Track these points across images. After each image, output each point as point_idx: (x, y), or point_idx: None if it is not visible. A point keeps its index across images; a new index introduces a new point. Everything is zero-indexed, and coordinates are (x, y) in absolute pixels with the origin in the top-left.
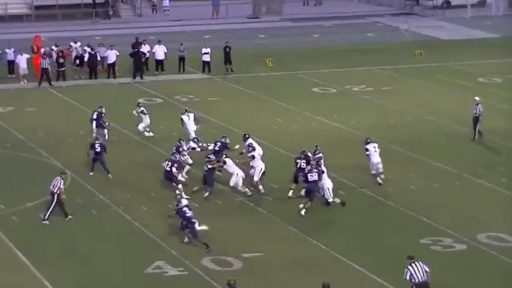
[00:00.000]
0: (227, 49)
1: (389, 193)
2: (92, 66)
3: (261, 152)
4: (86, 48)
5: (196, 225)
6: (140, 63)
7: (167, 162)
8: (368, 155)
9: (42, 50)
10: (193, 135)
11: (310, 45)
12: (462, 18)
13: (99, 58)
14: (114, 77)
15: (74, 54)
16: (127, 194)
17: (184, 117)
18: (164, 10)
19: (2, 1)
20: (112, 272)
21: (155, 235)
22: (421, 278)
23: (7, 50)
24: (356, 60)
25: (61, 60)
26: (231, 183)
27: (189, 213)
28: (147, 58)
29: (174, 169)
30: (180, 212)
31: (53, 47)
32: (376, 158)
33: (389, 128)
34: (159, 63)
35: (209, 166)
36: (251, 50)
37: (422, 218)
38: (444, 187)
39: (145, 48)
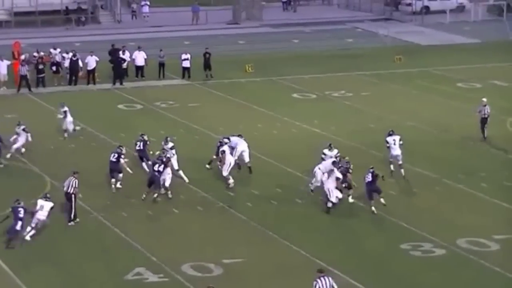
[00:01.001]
0: (207, 55)
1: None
2: (74, 72)
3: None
4: (65, 54)
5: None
6: (119, 69)
7: (113, 154)
8: (388, 147)
9: (22, 56)
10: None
11: (290, 51)
12: (441, 24)
13: (81, 64)
14: (94, 83)
15: (50, 60)
16: (107, 200)
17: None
18: (144, 16)
19: None
20: (92, 278)
21: (135, 241)
22: None
23: None
24: (336, 65)
25: (41, 67)
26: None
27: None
28: (127, 65)
29: (121, 160)
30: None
31: (35, 54)
32: (396, 150)
33: (369, 133)
34: (139, 69)
35: (159, 169)
36: (231, 56)
37: (402, 223)
38: (424, 192)
39: (125, 55)
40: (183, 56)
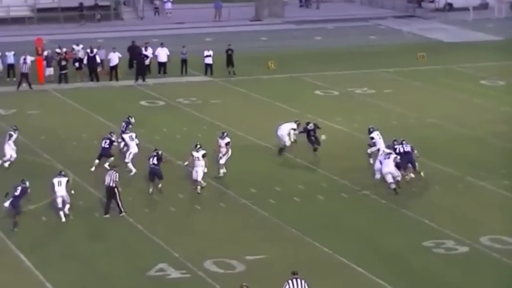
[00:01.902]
0: (229, 52)
1: (391, 195)
2: (91, 68)
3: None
4: (82, 50)
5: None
6: (142, 66)
7: (105, 140)
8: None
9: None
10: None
11: (313, 48)
12: (465, 21)
13: (98, 60)
14: (117, 80)
15: (73, 56)
16: (130, 196)
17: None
18: (167, 13)
19: (4, 4)
20: (114, 275)
21: (158, 238)
22: None
23: (7, 53)
24: (359, 62)
25: (64, 63)
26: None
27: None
28: (150, 61)
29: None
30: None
31: (57, 50)
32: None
33: (391, 130)
34: (162, 65)
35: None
36: (254, 52)
37: (424, 220)
38: (447, 190)
39: (148, 51)
40: (206, 53)
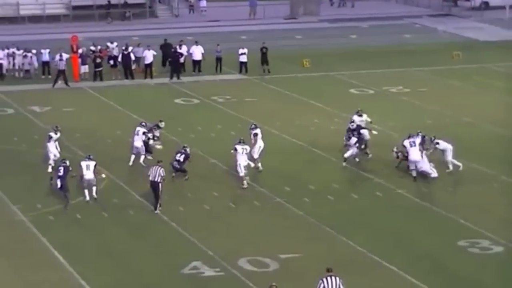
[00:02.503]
0: (264, 50)
1: (426, 194)
2: (126, 66)
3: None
4: (117, 48)
5: None
6: (177, 64)
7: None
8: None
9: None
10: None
11: (348, 46)
12: (501, 19)
13: (133, 58)
14: (151, 78)
15: (108, 54)
16: (164, 195)
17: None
18: (201, 11)
19: (40, 1)
20: (148, 272)
21: (192, 235)
22: None
23: (42, 51)
24: (394, 61)
25: (98, 61)
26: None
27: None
28: (184, 59)
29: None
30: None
31: (92, 47)
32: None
33: (426, 129)
34: (196, 63)
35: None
36: (288, 51)
37: (459, 219)
38: (482, 189)
39: (183, 49)
40: (240, 51)
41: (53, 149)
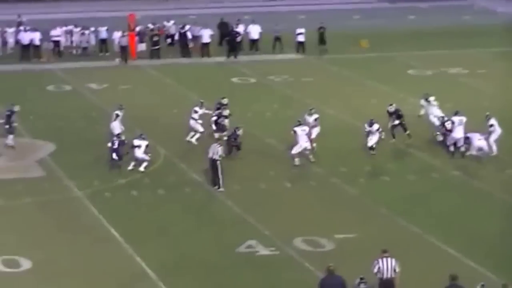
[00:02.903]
0: (322, 30)
1: (485, 177)
2: (183, 45)
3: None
4: (174, 26)
5: None
6: (234, 43)
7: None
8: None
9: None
10: None
11: (406, 27)
12: None
13: (190, 37)
14: (208, 56)
15: (165, 32)
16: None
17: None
18: None
19: None
20: (204, 250)
21: (248, 215)
22: (388, 276)
23: (99, 28)
24: (453, 42)
25: (156, 39)
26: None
27: None
28: (241, 38)
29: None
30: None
31: (150, 25)
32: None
33: (484, 111)
34: (254, 42)
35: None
36: (346, 31)
37: None
38: None
39: (240, 28)
40: (298, 31)
41: (114, 125)
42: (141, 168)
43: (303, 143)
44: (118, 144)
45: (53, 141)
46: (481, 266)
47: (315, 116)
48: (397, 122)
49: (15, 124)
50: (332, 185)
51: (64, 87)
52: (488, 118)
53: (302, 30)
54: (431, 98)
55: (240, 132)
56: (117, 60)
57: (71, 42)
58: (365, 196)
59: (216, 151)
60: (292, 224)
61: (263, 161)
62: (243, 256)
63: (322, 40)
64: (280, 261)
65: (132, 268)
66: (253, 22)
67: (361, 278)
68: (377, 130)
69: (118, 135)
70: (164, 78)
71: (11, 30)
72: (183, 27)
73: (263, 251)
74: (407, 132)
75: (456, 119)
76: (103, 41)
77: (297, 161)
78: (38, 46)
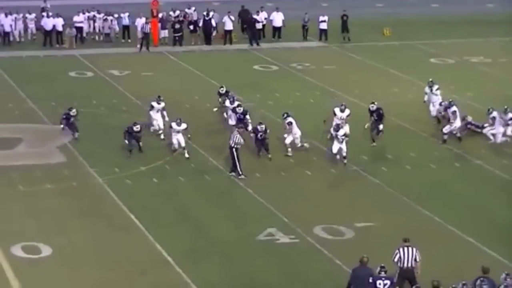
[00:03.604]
0: (345, 18)
1: (505, 165)
2: (206, 32)
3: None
4: (195, 13)
5: None
6: (253, 30)
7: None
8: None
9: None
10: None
11: (429, 15)
12: None
13: (214, 24)
14: (231, 43)
15: (188, 19)
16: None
17: None
18: None
19: None
20: (224, 238)
21: (268, 202)
22: (408, 265)
23: (122, 15)
24: (476, 31)
25: (178, 26)
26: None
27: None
28: (263, 25)
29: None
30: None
31: (171, 13)
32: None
33: (506, 101)
34: (277, 30)
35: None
36: (369, 19)
37: None
38: None
39: (262, 15)
40: (321, 18)
41: (157, 117)
42: (186, 155)
43: (298, 131)
44: (140, 129)
45: None
46: (502, 256)
47: (347, 112)
48: (381, 126)
49: (75, 123)
50: (353, 173)
51: (86, 73)
52: (507, 111)
53: (325, 18)
54: (435, 87)
55: (263, 127)
56: (138, 46)
57: (94, 28)
58: (386, 184)
59: (236, 139)
60: (312, 212)
61: (284, 148)
62: (263, 244)
63: (345, 28)
64: (300, 249)
65: (152, 255)
66: (277, 9)
67: (382, 267)
68: (343, 135)
69: (135, 124)
70: (186, 65)
71: (31, 16)
72: (207, 14)
73: (283, 239)
74: (380, 134)
75: (454, 109)
76: (125, 28)
77: (290, 151)
78: (60, 32)
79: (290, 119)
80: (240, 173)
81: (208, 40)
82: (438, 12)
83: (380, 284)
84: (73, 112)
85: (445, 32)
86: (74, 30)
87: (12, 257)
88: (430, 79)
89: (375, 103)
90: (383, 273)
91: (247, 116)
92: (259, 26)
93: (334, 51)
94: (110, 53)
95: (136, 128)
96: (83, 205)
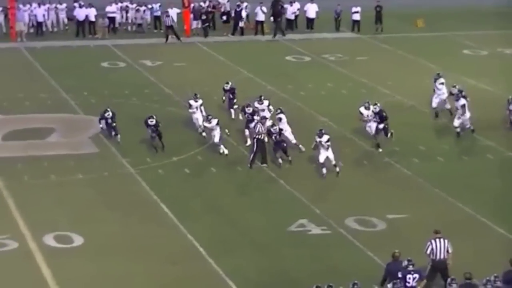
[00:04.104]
0: (378, 9)
1: None
2: (237, 22)
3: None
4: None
5: None
6: (280, 21)
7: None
8: None
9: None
10: None
11: (463, 6)
12: None
13: (243, 15)
14: (263, 34)
15: (221, 10)
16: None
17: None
18: None
19: None
20: (255, 229)
21: (300, 193)
22: (441, 257)
23: (153, 5)
24: (509, 22)
25: (209, 16)
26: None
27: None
28: (296, 16)
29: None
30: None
31: (202, 4)
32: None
33: None
34: (310, 21)
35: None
36: (402, 10)
37: None
38: None
39: (295, 6)
40: (354, 9)
41: (197, 116)
42: (225, 151)
43: (288, 127)
44: (155, 124)
45: None
46: None
47: (279, 116)
48: (381, 126)
49: (114, 125)
50: (386, 165)
51: (118, 63)
52: None
53: (358, 9)
54: (439, 81)
55: (276, 128)
56: (170, 37)
57: (126, 18)
58: (419, 176)
59: (257, 129)
60: (344, 204)
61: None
62: (295, 235)
63: (378, 19)
64: (331, 240)
65: (183, 245)
66: (312, 1)
67: (409, 260)
68: (327, 142)
69: (151, 116)
70: (218, 56)
71: (62, 6)
72: (239, 5)
73: (315, 230)
74: (388, 135)
75: (463, 102)
76: (156, 18)
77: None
78: (93, 22)
79: (281, 115)
80: (250, 165)
81: (236, 30)
82: (472, 3)
83: (410, 278)
84: (107, 114)
85: (478, 23)
86: (106, 20)
87: (44, 247)
88: (438, 72)
89: (378, 104)
90: (411, 266)
91: (255, 117)
92: (291, 17)
93: (366, 42)
94: (142, 43)
95: (151, 121)
96: (115, 195)
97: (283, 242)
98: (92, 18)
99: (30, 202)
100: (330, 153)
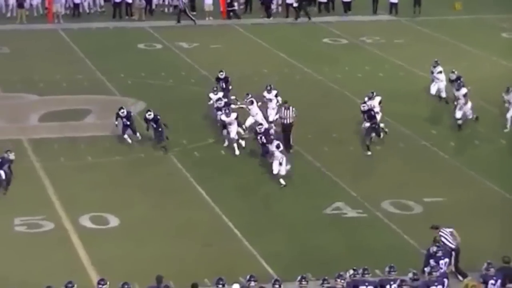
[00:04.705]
0: None
1: None
2: (267, 5)
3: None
4: None
5: None
6: (303, 4)
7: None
8: None
9: None
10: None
11: None
12: None
13: None
14: (295, 18)
15: None
16: (309, 134)
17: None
18: None
19: None
20: (291, 212)
21: (336, 176)
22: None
23: None
24: None
25: (228, 0)
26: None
27: None
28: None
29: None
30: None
31: None
32: None
33: None
34: (347, 4)
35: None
36: None
37: None
38: None
39: None
40: None
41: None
42: (243, 143)
43: (258, 111)
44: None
45: (143, 99)
46: None
47: (378, 99)
48: (367, 124)
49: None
50: (422, 148)
51: (154, 45)
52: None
53: None
54: (437, 69)
55: (261, 128)
56: (208, 18)
57: (163, 0)
58: (455, 159)
59: (283, 113)
60: (380, 187)
61: (353, 122)
62: (330, 217)
63: (417, 1)
64: (367, 223)
65: (218, 227)
66: None
67: (438, 246)
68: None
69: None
70: (255, 38)
71: None
72: None
73: (351, 213)
74: (381, 136)
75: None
76: (192, 0)
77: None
78: (130, 3)
79: (251, 98)
80: (288, 150)
81: (267, 13)
82: None
83: (442, 263)
84: (122, 112)
85: None
86: (143, 1)
87: (80, 228)
88: (435, 59)
89: (367, 102)
90: (440, 252)
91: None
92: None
93: (404, 24)
94: (179, 25)
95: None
96: (150, 176)
97: (319, 224)
98: (129, 0)
99: (66, 183)
100: (284, 163)
